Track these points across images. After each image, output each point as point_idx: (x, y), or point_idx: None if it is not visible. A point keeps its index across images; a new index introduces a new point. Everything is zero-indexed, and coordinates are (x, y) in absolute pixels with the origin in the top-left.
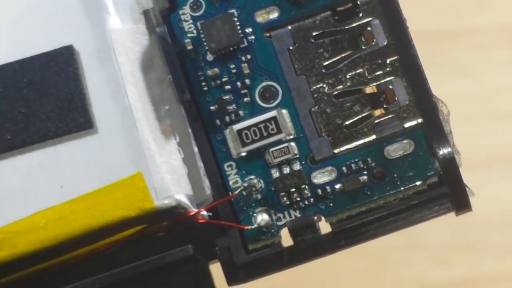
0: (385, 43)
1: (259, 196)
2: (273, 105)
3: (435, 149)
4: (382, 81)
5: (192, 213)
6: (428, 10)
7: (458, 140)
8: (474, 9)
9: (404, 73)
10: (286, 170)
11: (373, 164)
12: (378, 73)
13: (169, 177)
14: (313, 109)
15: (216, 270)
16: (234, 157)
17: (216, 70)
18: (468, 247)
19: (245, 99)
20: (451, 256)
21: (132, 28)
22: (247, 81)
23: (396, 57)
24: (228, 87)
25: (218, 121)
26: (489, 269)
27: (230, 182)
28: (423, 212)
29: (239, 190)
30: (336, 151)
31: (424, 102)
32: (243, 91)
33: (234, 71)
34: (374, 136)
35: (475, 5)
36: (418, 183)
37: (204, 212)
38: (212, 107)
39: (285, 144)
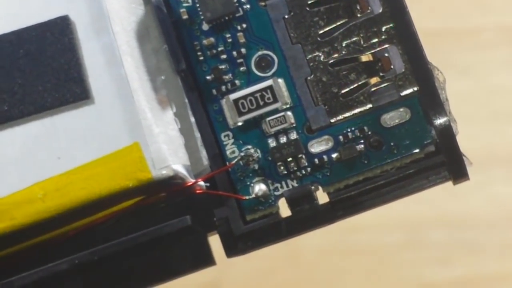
0: (380, 11)
1: (256, 166)
2: (269, 74)
3: (431, 117)
4: (378, 49)
5: (189, 184)
6: (428, 10)
7: (458, 140)
8: (475, 9)
9: (400, 41)
10: (283, 139)
11: (369, 133)
12: (373, 41)
13: (166, 147)
14: (309, 78)
15: (214, 242)
16: (230, 127)
17: (212, 39)
18: (468, 247)
19: (241, 69)
20: (451, 256)
21: None
22: (243, 50)
23: (391, 25)
24: (224, 56)
25: (214, 91)
26: (489, 269)
27: (227, 152)
28: (421, 181)
29: (236, 160)
30: (332, 120)
31: (420, 69)
32: (239, 61)
33: (229, 40)
34: (370, 105)
35: (476, 5)
36: (415, 151)
37: (202, 183)
38: (208, 77)
39: (282, 114)
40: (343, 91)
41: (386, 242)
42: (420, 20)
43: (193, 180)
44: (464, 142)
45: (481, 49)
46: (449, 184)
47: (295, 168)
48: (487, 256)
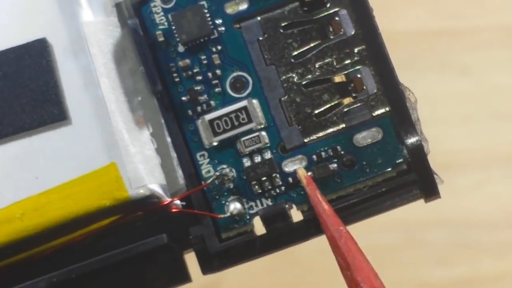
0: (353, 33)
1: (231, 185)
2: (243, 95)
3: (403, 136)
4: (351, 70)
5: (165, 202)
6: (428, 10)
7: (458, 140)
8: (475, 9)
9: (372, 62)
10: (257, 159)
11: (342, 152)
12: (346, 62)
13: (142, 167)
14: (283, 98)
15: (190, 259)
16: (206, 147)
17: (188, 61)
18: (468, 247)
19: (216, 90)
20: (451, 256)
21: (105, 20)
22: (218, 71)
23: (363, 46)
24: (199, 77)
25: (190, 112)
26: (489, 269)
27: (203, 172)
28: (393, 199)
29: (211, 179)
30: (306, 139)
31: (392, 90)
32: (214, 82)
33: (205, 62)
34: (343, 125)
35: (475, 5)
36: (387, 170)
37: (178, 202)
38: (184, 98)
39: (256, 134)
40: (316, 111)
41: (386, 242)
42: (420, 20)
43: (169, 199)
44: (464, 142)
45: (481, 49)
46: (449, 184)
47: (270, 187)
48: (487, 256)
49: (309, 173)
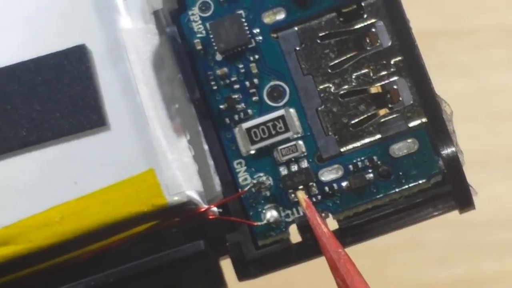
0: (389, 44)
1: (268, 193)
2: (281, 104)
3: (439, 148)
4: (387, 81)
5: (202, 209)
6: (428, 10)
7: (458, 140)
8: (475, 9)
9: (408, 73)
10: (294, 167)
11: (378, 162)
12: (382, 73)
13: (180, 173)
14: (319, 108)
15: (226, 266)
16: (243, 155)
17: (225, 69)
18: (468, 247)
19: (254, 98)
20: (451, 256)
21: (143, 28)
22: (256, 80)
23: (400, 58)
24: (237, 86)
25: (227, 120)
26: (489, 269)
27: (240, 179)
28: (427, 210)
29: (248, 187)
30: (342, 149)
31: (428, 102)
32: (251, 90)
33: (242, 70)
34: (379, 135)
35: (475, 5)
36: (422, 181)
37: (215, 208)
38: (221, 106)
39: (293, 142)
40: (353, 122)
41: (386, 242)
42: (420, 20)
43: (206, 206)
44: (464, 142)
45: (481, 49)
46: None
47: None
48: (487, 256)
49: (346, 183)
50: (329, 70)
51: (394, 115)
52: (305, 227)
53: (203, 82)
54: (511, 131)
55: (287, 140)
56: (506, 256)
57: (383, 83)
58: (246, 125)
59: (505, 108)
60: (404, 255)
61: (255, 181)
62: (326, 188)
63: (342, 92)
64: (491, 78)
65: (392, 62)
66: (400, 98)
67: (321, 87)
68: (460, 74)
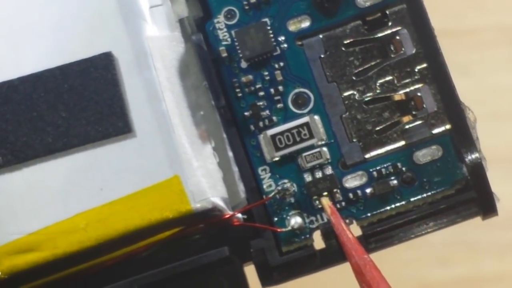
0: (413, 52)
1: (292, 200)
2: (305, 111)
3: (463, 154)
4: (411, 88)
5: (227, 216)
6: (428, 10)
7: None
8: (474, 9)
9: (432, 81)
10: (319, 174)
11: (402, 169)
12: (406, 80)
13: (205, 180)
14: (344, 115)
15: (250, 271)
16: (268, 162)
17: (250, 77)
18: (468, 247)
19: (278, 105)
20: (451, 256)
21: (169, 35)
22: (280, 87)
23: (424, 65)
24: (261, 93)
25: (252, 127)
26: (489, 269)
27: (264, 186)
28: (451, 216)
29: (273, 193)
30: (366, 156)
31: (452, 108)
32: (276, 98)
33: (267, 78)
34: (403, 142)
35: (475, 5)
36: (446, 187)
37: (239, 215)
38: (246, 113)
39: (317, 149)
40: (377, 128)
41: None
42: None
43: (231, 212)
44: None
45: (481, 49)
46: None
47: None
48: (487, 256)
49: (370, 189)
50: (354, 78)
51: (418, 122)
52: (329, 233)
53: (228, 89)
54: (511, 131)
55: (312, 147)
56: (506, 256)
57: (407, 90)
58: (271, 132)
59: (505, 108)
60: (404, 254)
61: (279, 188)
62: (350, 195)
63: (366, 99)
64: (491, 78)
65: (416, 69)
66: (424, 105)
67: (345, 94)
68: (460, 74)
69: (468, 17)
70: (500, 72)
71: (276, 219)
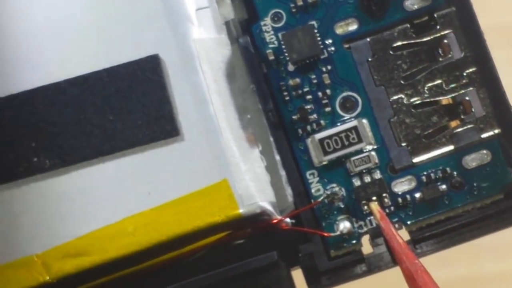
0: (462, 56)
1: (340, 204)
2: (353, 115)
3: None
4: (459, 92)
5: (276, 220)
6: None
7: None
8: (475, 9)
9: (481, 85)
10: (367, 178)
11: (452, 174)
12: (454, 84)
13: (253, 184)
14: (392, 119)
15: (297, 276)
16: (316, 166)
17: (298, 80)
18: (468, 247)
19: (326, 109)
20: (451, 256)
21: (215, 38)
22: (328, 91)
23: (472, 69)
24: (309, 97)
25: (300, 130)
26: (489, 269)
27: (312, 190)
28: (500, 222)
29: (321, 198)
30: (415, 160)
31: (502, 113)
32: (324, 101)
33: (315, 81)
34: (452, 146)
35: (475, 5)
36: (495, 192)
37: (288, 219)
38: (294, 117)
39: (366, 153)
40: (425, 133)
41: None
42: None
43: (279, 217)
44: None
45: None
46: None
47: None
48: (488, 256)
49: (419, 194)
50: (402, 81)
51: (467, 126)
52: (377, 238)
53: (275, 93)
54: None
55: (360, 151)
56: (506, 256)
57: (455, 94)
58: (319, 136)
59: None
60: None
61: (328, 192)
62: (399, 199)
63: (414, 103)
64: None
65: (464, 73)
66: (473, 109)
67: (393, 98)
68: None
69: None
70: (500, 72)
71: (324, 223)
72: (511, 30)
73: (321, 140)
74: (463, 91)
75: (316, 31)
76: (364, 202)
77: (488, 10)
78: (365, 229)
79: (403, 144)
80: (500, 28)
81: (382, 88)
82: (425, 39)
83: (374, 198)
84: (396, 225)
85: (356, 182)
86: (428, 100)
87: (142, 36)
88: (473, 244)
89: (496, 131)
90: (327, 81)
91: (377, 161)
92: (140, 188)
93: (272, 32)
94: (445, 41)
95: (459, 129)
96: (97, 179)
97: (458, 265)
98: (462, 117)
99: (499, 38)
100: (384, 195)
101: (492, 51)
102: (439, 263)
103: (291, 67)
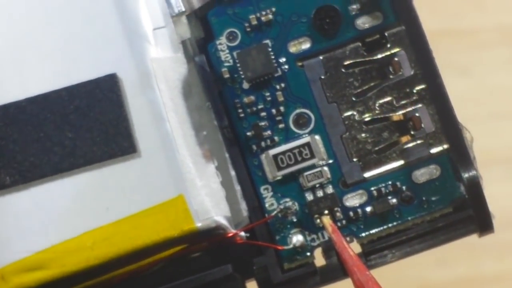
0: (412, 73)
1: (294, 218)
2: (306, 131)
3: (461, 174)
4: (409, 109)
5: (231, 234)
6: (428, 10)
7: None
8: (474, 9)
9: (430, 101)
10: (320, 193)
11: (402, 188)
12: (405, 101)
13: (208, 199)
14: (344, 135)
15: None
16: (270, 181)
17: (252, 97)
18: (468, 247)
19: (280, 126)
20: (451, 256)
21: (172, 57)
22: (282, 108)
23: (422, 86)
24: (263, 114)
25: (254, 146)
26: (489, 269)
27: (266, 205)
28: (449, 234)
29: (275, 212)
30: (366, 175)
31: (450, 129)
32: (277, 118)
33: (269, 98)
34: (402, 161)
35: (475, 5)
36: (444, 206)
37: (242, 233)
38: (248, 133)
39: (318, 169)
40: (376, 148)
41: None
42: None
43: (234, 231)
44: None
45: (481, 49)
46: None
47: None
48: (487, 256)
49: (370, 208)
50: (353, 98)
51: (417, 142)
52: (330, 250)
53: (230, 110)
54: (511, 131)
55: (313, 166)
56: (506, 256)
57: (405, 111)
58: (273, 151)
59: (505, 108)
60: None
61: (281, 206)
62: (351, 213)
63: (366, 119)
64: (491, 78)
65: (414, 90)
66: (422, 125)
67: (345, 114)
68: (460, 74)
69: (468, 17)
70: (500, 72)
71: (278, 237)
72: (511, 30)
73: (275, 156)
74: (413, 107)
75: (270, 49)
76: (316, 216)
77: (488, 10)
78: (317, 242)
79: (355, 160)
80: (500, 28)
81: (335, 105)
82: (376, 57)
83: (326, 212)
84: (348, 238)
85: (309, 197)
86: (379, 116)
87: (100, 55)
88: (472, 244)
89: (445, 146)
90: (281, 99)
91: (329, 176)
92: (98, 204)
93: (227, 51)
94: (396, 59)
95: (409, 145)
96: (56, 195)
97: (456, 265)
98: (412, 132)
99: (499, 38)
100: (336, 209)
101: (492, 51)
102: (437, 263)
103: (245, 85)
